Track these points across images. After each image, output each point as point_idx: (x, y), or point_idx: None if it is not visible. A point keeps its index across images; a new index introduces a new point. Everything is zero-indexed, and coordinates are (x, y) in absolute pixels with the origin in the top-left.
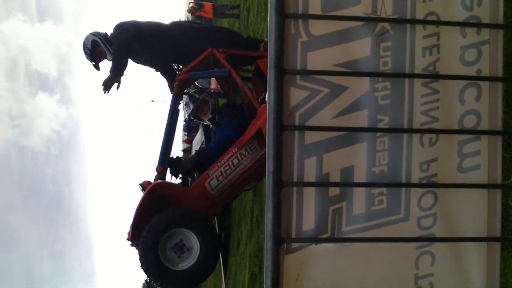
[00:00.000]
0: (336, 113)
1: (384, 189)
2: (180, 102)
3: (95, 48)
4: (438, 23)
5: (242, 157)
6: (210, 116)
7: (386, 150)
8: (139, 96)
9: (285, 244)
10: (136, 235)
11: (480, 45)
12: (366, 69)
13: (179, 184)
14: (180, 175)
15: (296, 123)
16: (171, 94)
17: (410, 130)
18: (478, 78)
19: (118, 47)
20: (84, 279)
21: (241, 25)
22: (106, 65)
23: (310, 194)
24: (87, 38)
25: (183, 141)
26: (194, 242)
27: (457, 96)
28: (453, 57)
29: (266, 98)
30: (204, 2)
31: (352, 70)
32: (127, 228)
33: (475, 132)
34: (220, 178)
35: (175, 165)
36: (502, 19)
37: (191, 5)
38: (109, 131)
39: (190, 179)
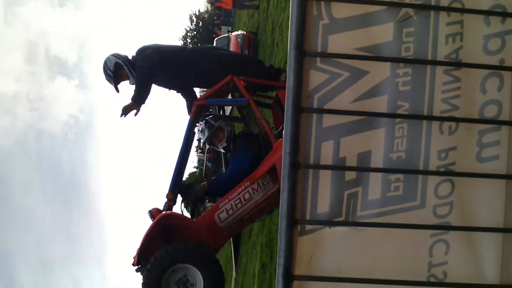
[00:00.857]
0: (355, 98)
1: (401, 176)
2: (196, 125)
3: (118, 70)
4: (463, 10)
5: (254, 191)
6: (225, 144)
7: (404, 136)
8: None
9: (299, 226)
10: (141, 261)
11: (504, 35)
12: (387, 54)
13: (186, 216)
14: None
15: (315, 106)
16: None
17: (430, 118)
18: (501, 67)
19: (143, 74)
20: (96, 261)
21: (260, 16)
22: (125, 87)
23: (326, 177)
24: (108, 59)
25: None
26: (198, 278)
27: (478, 85)
28: (476, 46)
29: (283, 133)
30: None
31: (374, 55)
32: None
33: (496, 122)
34: (230, 212)
35: (186, 192)
36: None
37: None
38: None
39: (201, 204)
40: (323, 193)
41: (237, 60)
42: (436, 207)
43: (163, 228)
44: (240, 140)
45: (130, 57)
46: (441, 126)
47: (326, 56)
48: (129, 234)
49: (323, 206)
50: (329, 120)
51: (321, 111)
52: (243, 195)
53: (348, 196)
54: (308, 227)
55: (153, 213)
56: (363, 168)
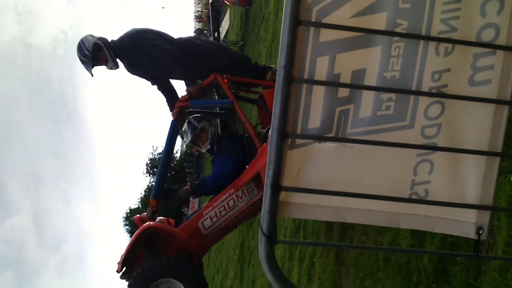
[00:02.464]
0: (354, 13)
1: (393, 95)
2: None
3: (97, 52)
4: None
5: (239, 199)
6: (209, 146)
7: (400, 55)
8: (149, 2)
9: (289, 139)
10: (125, 268)
11: None
12: None
13: (168, 227)
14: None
15: (313, 19)
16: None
17: (428, 38)
18: None
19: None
20: (87, 179)
21: None
22: (100, 70)
23: (319, 92)
24: (86, 39)
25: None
26: None
27: (479, 7)
28: None
29: (268, 133)
30: None
31: None
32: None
33: (492, 46)
34: (214, 219)
35: (169, 197)
36: None
37: None
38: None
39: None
40: (315, 109)
41: (224, 56)
42: (424, 128)
43: (146, 237)
44: (224, 142)
45: (109, 40)
46: (437, 47)
47: None
48: (118, 152)
49: (314, 121)
50: (326, 35)
51: (319, 25)
52: (227, 202)
53: (340, 113)
54: (298, 141)
55: (136, 222)
56: (357, 85)
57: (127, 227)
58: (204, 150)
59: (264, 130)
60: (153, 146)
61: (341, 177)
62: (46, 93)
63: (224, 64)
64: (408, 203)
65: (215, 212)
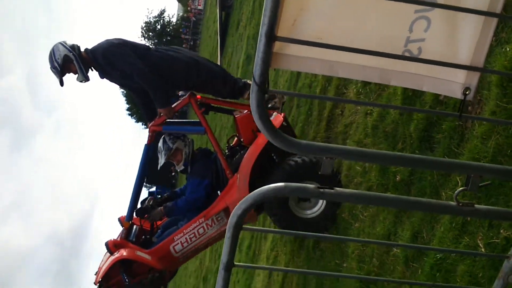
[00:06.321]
0: None
1: None
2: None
3: (66, 64)
4: None
5: (208, 227)
6: (183, 167)
7: None
8: None
9: None
10: (102, 282)
11: None
12: None
13: (140, 256)
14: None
15: None
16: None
17: None
18: None
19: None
20: (82, 40)
21: None
22: (71, 78)
23: None
24: (57, 49)
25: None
26: None
27: None
28: None
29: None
30: None
31: None
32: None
33: None
34: (185, 244)
35: (143, 217)
36: None
37: None
38: None
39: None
40: None
41: (201, 74)
42: None
43: (120, 261)
44: (198, 164)
45: (82, 50)
46: None
47: None
48: (112, 14)
49: None
50: None
51: None
52: (198, 230)
53: None
54: None
55: (110, 247)
56: None
57: (125, 98)
58: (178, 170)
59: (237, 156)
60: (148, 9)
61: (337, 30)
62: None
63: (202, 80)
64: (400, 60)
65: (186, 238)
